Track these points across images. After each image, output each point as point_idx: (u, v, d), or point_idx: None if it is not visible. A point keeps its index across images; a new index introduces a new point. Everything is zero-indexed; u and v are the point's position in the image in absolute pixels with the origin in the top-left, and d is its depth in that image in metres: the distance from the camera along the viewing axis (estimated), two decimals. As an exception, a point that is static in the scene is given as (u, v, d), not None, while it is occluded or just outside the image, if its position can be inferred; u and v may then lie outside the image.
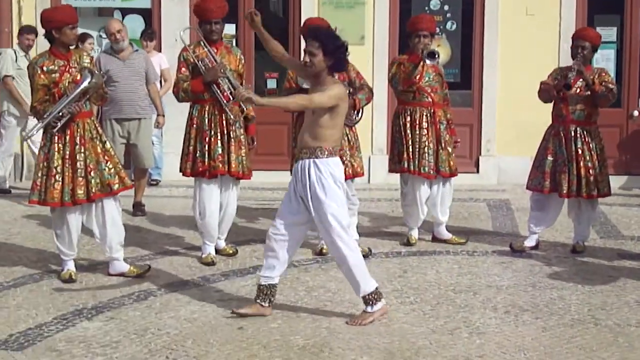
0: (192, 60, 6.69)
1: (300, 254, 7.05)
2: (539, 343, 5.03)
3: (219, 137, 6.65)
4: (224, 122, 6.67)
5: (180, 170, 6.87)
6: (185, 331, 5.13)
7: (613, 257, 7.14)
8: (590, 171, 7.05)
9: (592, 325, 5.36)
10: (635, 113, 10.45)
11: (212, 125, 6.65)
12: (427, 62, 7.13)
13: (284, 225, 5.34)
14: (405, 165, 7.29)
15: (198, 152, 6.68)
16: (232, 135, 6.67)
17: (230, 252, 7.00)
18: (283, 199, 5.48)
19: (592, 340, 5.08)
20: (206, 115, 6.68)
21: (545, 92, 7.18)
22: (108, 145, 6.32)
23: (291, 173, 5.59)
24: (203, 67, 6.64)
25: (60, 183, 6.07)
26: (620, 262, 6.98)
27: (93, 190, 6.10)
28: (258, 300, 5.37)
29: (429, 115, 7.29)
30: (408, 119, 7.31)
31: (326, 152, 5.25)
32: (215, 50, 6.74)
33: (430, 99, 7.29)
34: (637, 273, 6.61)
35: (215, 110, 6.67)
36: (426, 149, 7.25)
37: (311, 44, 5.25)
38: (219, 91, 6.63)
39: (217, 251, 6.93)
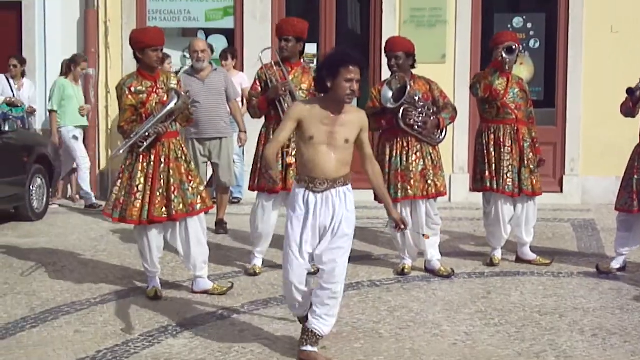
0: (264, 78, 6.84)
1: (381, 273, 7.06)
2: (628, 368, 4.91)
3: (280, 155, 6.72)
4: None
5: (249, 185, 7.07)
6: (269, 349, 5.15)
7: None
8: None
9: (684, 350, 5.21)
10: None
11: None
12: (505, 55, 7.05)
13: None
14: (488, 184, 7.22)
15: (263, 168, 6.79)
16: (291, 153, 6.72)
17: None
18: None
19: (685, 366, 4.94)
20: (271, 133, 6.77)
21: (623, 105, 7.05)
22: (192, 165, 6.42)
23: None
24: (270, 85, 6.76)
25: (140, 201, 6.17)
26: None
27: (175, 209, 6.18)
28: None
29: (512, 132, 7.21)
30: (492, 136, 7.24)
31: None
32: (290, 69, 6.85)
33: (514, 116, 7.21)
34: None
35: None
36: (510, 167, 7.17)
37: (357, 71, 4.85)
38: (281, 109, 6.74)
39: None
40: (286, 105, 6.72)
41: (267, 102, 6.81)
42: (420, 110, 6.86)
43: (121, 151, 6.39)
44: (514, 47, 7.08)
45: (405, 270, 7.04)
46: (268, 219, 6.95)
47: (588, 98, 10.65)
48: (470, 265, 7.37)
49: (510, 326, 5.67)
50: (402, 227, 5.11)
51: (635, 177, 7.02)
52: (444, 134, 7.06)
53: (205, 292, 6.39)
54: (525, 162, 7.22)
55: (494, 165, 7.21)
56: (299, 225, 4.86)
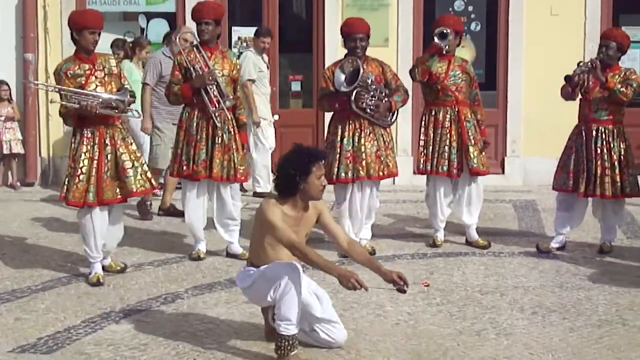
0: (185, 64, 6.78)
1: (327, 255, 7.05)
2: (566, 344, 5.00)
3: (203, 143, 6.75)
4: (211, 127, 6.75)
5: (170, 172, 7.04)
6: (213, 334, 5.15)
7: (641, 257, 7.10)
8: (607, 171, 6.99)
9: (620, 326, 5.32)
10: (662, 112, 10.34)
11: (199, 129, 6.77)
12: (437, 41, 7.12)
13: None
14: (422, 165, 7.30)
15: (184, 155, 6.78)
16: (217, 141, 6.75)
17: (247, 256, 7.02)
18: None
19: (621, 341, 5.04)
20: (194, 120, 6.78)
21: (564, 89, 7.17)
22: (135, 147, 6.42)
23: None
24: (194, 73, 6.70)
25: (85, 184, 6.16)
26: (648, 262, 6.94)
27: (129, 189, 6.24)
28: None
29: (452, 114, 7.25)
30: (432, 118, 7.30)
31: None
32: (210, 55, 6.80)
33: (454, 98, 7.25)
34: (666, 273, 6.56)
35: (204, 115, 6.76)
36: (446, 147, 7.20)
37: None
38: (207, 97, 6.70)
39: (235, 256, 6.97)
40: (212, 93, 6.69)
41: (192, 90, 6.74)
42: (372, 93, 6.90)
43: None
44: (444, 31, 7.12)
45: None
46: (196, 206, 6.93)
47: (529, 80, 10.77)
48: (413, 247, 7.44)
49: (452, 305, 5.74)
50: (403, 286, 4.80)
51: (573, 157, 7.15)
52: (395, 116, 7.12)
53: (102, 268, 6.43)
54: (472, 141, 7.25)
55: (431, 147, 7.27)
56: None
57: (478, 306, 5.73)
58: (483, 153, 7.37)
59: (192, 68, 6.75)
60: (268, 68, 10.00)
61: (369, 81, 6.88)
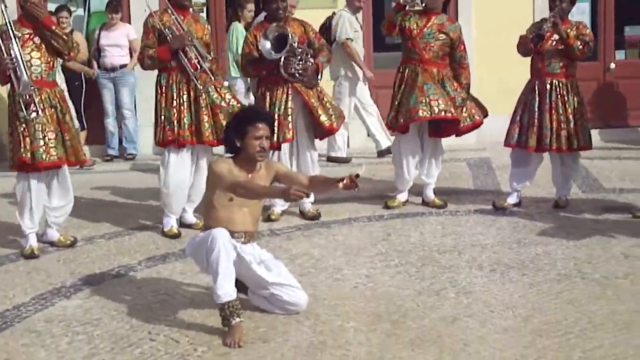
0: (158, 27, 6.53)
1: (282, 222, 6.98)
2: (526, 300, 4.97)
3: (186, 107, 6.53)
4: (192, 90, 6.54)
5: (155, 141, 6.73)
6: (168, 305, 5.02)
7: (596, 210, 7.10)
8: (562, 125, 6.97)
9: (579, 280, 5.31)
10: (612, 65, 10.40)
11: (181, 93, 6.53)
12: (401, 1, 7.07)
13: None
14: (389, 122, 7.21)
15: (167, 121, 6.55)
16: (202, 104, 6.54)
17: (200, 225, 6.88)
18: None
19: (580, 294, 5.03)
20: (174, 84, 6.55)
21: (522, 45, 7.10)
22: (68, 118, 6.29)
23: None
24: (170, 35, 6.49)
25: (22, 147, 6.03)
26: (603, 215, 6.94)
27: (58, 156, 6.10)
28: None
29: (415, 72, 7.10)
30: (399, 75, 7.21)
31: None
32: (182, 18, 6.59)
33: (419, 56, 7.12)
34: (621, 225, 6.57)
35: (183, 78, 6.54)
36: (414, 95, 7.01)
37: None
38: (186, 59, 6.50)
39: (189, 226, 6.81)
40: (192, 55, 6.49)
41: (169, 52, 6.52)
42: (299, 57, 6.76)
43: None
44: None
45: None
46: (182, 176, 6.64)
47: (479, 38, 10.71)
48: (369, 209, 7.36)
49: (410, 266, 5.68)
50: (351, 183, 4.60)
51: (526, 113, 7.11)
52: (320, 76, 7.01)
53: (51, 243, 6.34)
54: (448, 92, 7.09)
55: (397, 103, 7.16)
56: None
57: (436, 266, 5.68)
58: (469, 106, 7.22)
59: (166, 30, 6.52)
60: (362, 28, 9.87)
61: (295, 44, 6.74)
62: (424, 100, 6.96)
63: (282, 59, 6.68)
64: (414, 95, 7.00)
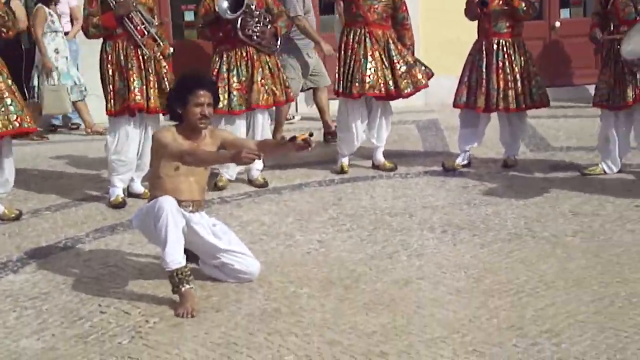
0: None
1: (231, 189, 6.91)
2: (477, 260, 4.99)
3: (136, 73, 6.39)
4: (140, 57, 6.40)
5: (106, 110, 6.57)
6: (117, 277, 4.94)
7: (544, 169, 7.17)
8: (510, 84, 6.99)
9: (530, 238, 5.35)
10: (557, 24, 10.44)
11: (129, 60, 6.39)
12: None
13: None
14: (336, 86, 7.13)
15: (119, 90, 6.41)
16: (150, 71, 6.42)
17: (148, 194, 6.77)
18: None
19: (531, 253, 5.06)
20: (121, 52, 6.40)
21: (470, 11, 7.09)
22: (13, 85, 6.13)
23: None
24: (113, 1, 6.33)
25: None
26: (551, 173, 7.01)
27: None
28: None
29: (362, 35, 7.04)
30: (344, 39, 7.13)
31: None
32: None
33: (364, 18, 7.05)
34: (569, 183, 6.64)
35: (130, 45, 6.39)
36: (356, 69, 7.00)
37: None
38: (131, 26, 6.35)
39: (137, 195, 6.71)
40: (138, 20, 6.33)
41: (115, 19, 6.35)
42: (257, 19, 6.67)
43: None
44: None
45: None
46: (132, 143, 6.52)
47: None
48: (320, 174, 7.33)
49: (362, 230, 5.67)
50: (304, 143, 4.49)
51: (475, 73, 7.11)
52: (279, 42, 6.90)
53: None
54: (386, 63, 7.06)
55: (342, 68, 7.09)
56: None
57: (388, 229, 5.67)
58: (414, 72, 7.16)
59: None
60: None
61: (252, 7, 6.64)
62: (378, 77, 6.98)
63: (240, 20, 6.56)
64: (365, 64, 6.96)
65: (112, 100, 6.45)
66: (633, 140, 6.89)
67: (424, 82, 7.24)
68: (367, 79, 6.98)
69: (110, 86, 6.44)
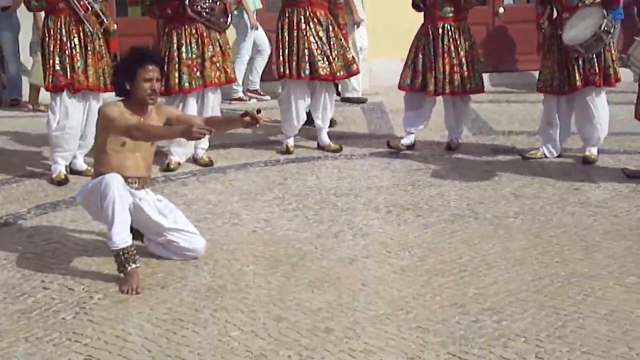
0: None
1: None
2: (422, 240, 5.05)
3: (78, 50, 6.31)
4: (82, 33, 6.32)
5: (45, 86, 6.48)
6: (60, 253, 4.88)
7: (487, 152, 7.27)
8: (456, 68, 7.06)
9: (472, 219, 5.43)
10: (501, 10, 10.56)
11: (71, 36, 6.31)
12: None
13: None
14: (281, 69, 7.10)
15: (59, 65, 6.31)
16: (89, 48, 6.35)
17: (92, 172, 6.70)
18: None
19: (474, 234, 5.14)
20: (63, 27, 6.31)
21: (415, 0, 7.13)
22: None
23: None
24: None
25: None
26: (493, 157, 7.11)
27: None
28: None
29: (307, 15, 7.06)
30: (286, 20, 7.09)
31: None
32: None
33: None
34: (511, 166, 6.74)
35: (72, 20, 6.31)
36: (306, 51, 7.04)
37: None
38: (75, 0, 6.26)
39: (80, 173, 6.63)
40: None
41: None
42: None
43: None
44: None
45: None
46: (76, 120, 6.43)
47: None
48: (265, 154, 7.32)
49: (308, 210, 5.69)
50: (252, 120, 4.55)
51: (420, 56, 7.16)
52: (229, 19, 6.87)
53: None
54: (332, 45, 7.09)
55: (287, 50, 7.08)
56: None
57: (334, 209, 5.70)
58: (348, 56, 7.22)
59: None
60: None
61: None
62: (322, 59, 6.98)
63: None
64: (314, 46, 6.97)
65: (50, 76, 6.36)
66: (573, 125, 7.01)
67: (355, 67, 7.30)
68: (320, 62, 6.99)
69: (51, 61, 6.34)
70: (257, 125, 4.48)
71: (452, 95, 7.16)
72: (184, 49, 6.62)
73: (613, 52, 6.66)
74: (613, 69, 6.63)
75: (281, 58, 7.08)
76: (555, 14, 6.83)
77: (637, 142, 7.40)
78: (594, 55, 6.55)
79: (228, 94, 9.63)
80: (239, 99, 10.00)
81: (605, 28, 6.35)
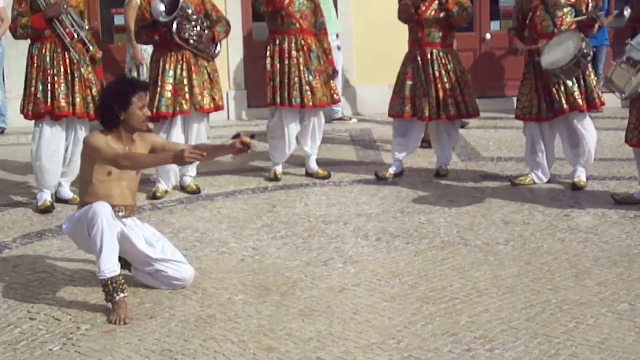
0: None
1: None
2: (412, 267, 5.02)
3: (62, 77, 6.28)
4: (68, 60, 6.30)
5: (22, 113, 6.44)
6: (47, 283, 4.82)
7: (476, 178, 7.26)
8: (449, 93, 7.07)
9: (463, 246, 5.40)
10: (488, 36, 10.61)
11: (55, 64, 6.29)
12: None
13: None
14: (271, 98, 7.09)
15: (40, 92, 6.28)
16: (76, 75, 6.32)
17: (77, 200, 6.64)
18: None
19: (464, 261, 5.11)
20: (48, 54, 6.29)
21: (404, 12, 7.15)
22: None
23: None
24: (44, 3, 6.21)
25: None
26: (482, 183, 7.10)
27: None
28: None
29: (298, 43, 7.07)
30: (277, 48, 7.09)
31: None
32: None
33: (298, 26, 7.06)
34: (500, 193, 6.73)
35: (58, 48, 6.29)
36: (297, 79, 7.03)
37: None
38: (61, 28, 6.24)
39: (66, 201, 6.57)
40: (68, 23, 6.21)
41: (44, 21, 6.22)
42: (194, 23, 6.61)
43: None
44: None
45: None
46: (55, 149, 6.37)
47: (358, 10, 10.74)
48: (253, 182, 7.29)
49: (297, 237, 5.65)
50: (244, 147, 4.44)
51: (409, 82, 7.17)
52: (218, 48, 6.86)
53: None
54: (313, 74, 7.08)
55: (279, 78, 7.06)
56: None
57: (323, 236, 5.66)
58: (332, 82, 7.25)
59: None
60: None
61: (190, 11, 6.59)
62: (308, 89, 7.03)
63: (176, 24, 6.49)
64: (308, 75, 7.00)
65: (29, 104, 6.34)
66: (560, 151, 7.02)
67: (337, 97, 7.35)
68: (316, 91, 7.04)
69: (32, 89, 6.32)
70: (250, 152, 4.44)
71: (449, 119, 7.15)
72: (168, 74, 6.59)
73: (592, 77, 6.70)
74: (596, 92, 6.65)
75: (271, 86, 7.06)
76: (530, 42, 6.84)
77: (626, 169, 7.41)
78: (575, 80, 6.58)
79: (329, 116, 9.57)
80: (341, 119, 10.22)
81: (586, 51, 6.37)
